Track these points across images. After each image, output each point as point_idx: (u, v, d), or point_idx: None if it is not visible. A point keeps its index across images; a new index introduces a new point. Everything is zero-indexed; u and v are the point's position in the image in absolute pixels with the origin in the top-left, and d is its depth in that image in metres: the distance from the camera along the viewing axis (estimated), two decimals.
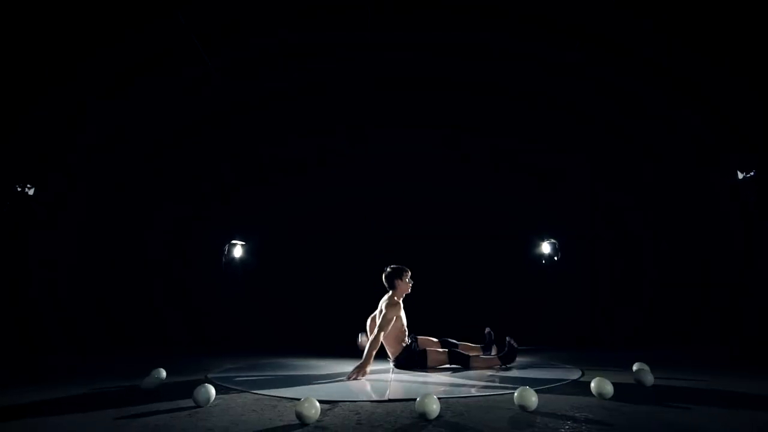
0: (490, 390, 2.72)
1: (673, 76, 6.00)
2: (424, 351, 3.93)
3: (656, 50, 5.86)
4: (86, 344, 6.31)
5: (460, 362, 3.89)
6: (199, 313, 6.90)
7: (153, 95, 6.35)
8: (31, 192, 5.89)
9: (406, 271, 4.13)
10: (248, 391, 2.75)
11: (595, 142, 6.66)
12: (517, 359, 4.07)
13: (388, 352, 4.08)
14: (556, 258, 5.81)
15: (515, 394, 2.18)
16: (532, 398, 2.13)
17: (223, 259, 6.70)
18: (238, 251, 6.84)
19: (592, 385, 2.38)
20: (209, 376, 3.43)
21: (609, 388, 2.33)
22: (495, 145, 6.94)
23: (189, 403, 2.34)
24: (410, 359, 3.93)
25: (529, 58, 6.15)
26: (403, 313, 4.04)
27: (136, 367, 3.89)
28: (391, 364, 4.08)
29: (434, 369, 3.91)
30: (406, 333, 4.08)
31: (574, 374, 3.28)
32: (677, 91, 6.11)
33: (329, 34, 5.93)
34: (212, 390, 2.34)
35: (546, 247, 5.96)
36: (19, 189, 5.85)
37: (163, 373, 2.97)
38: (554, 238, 5.82)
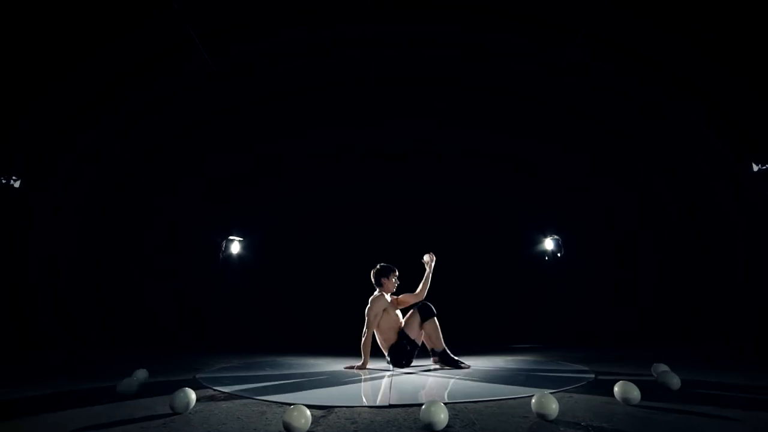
0: (501, 393, 2.36)
1: (675, 75, 5.69)
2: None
3: (657, 50, 5.55)
4: (84, 342, 5.99)
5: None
6: (197, 310, 6.55)
7: (153, 94, 6.04)
8: (17, 185, 5.53)
9: (394, 271, 4.03)
10: (235, 395, 2.39)
11: (597, 142, 6.33)
12: (523, 358, 3.72)
13: (383, 349, 3.84)
14: (559, 254, 5.47)
15: (533, 400, 1.83)
16: (553, 405, 1.78)
17: (221, 256, 6.35)
18: (235, 247, 6.48)
19: (617, 389, 2.03)
20: (197, 376, 3.07)
21: (635, 394, 1.98)
22: (496, 145, 6.60)
23: (166, 409, 1.98)
24: (403, 349, 3.70)
25: (530, 58, 5.85)
26: (396, 310, 3.93)
27: (124, 366, 3.52)
28: (387, 360, 3.83)
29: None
30: (403, 323, 3.88)
31: (587, 375, 2.92)
32: (679, 91, 5.79)
33: (329, 35, 5.63)
34: (192, 395, 1.99)
35: (549, 244, 5.62)
36: (3, 181, 5.49)
37: (144, 375, 2.60)
38: (557, 235, 5.48)
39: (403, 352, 3.68)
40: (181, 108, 6.19)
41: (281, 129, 6.48)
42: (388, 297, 3.90)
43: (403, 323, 3.83)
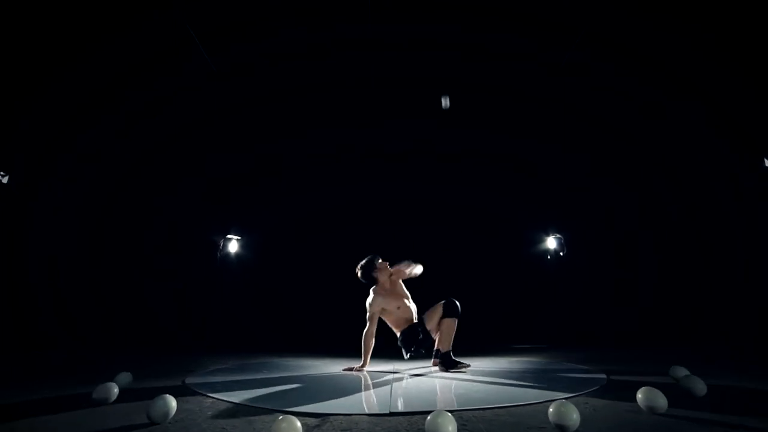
0: (511, 399, 2.10)
1: (675, 75, 5.47)
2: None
3: (657, 50, 5.33)
4: (84, 342, 5.75)
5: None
6: (197, 310, 6.31)
7: (153, 94, 5.82)
8: (5, 180, 5.29)
9: (376, 258, 3.66)
10: (224, 400, 2.13)
11: (597, 142, 6.10)
12: (527, 359, 3.45)
13: (395, 331, 3.61)
14: (561, 254, 5.20)
15: (551, 409, 1.58)
16: (573, 415, 1.53)
17: (218, 255, 6.11)
18: (233, 246, 6.22)
19: (641, 396, 1.78)
20: (187, 379, 2.80)
21: (662, 402, 1.73)
22: (496, 145, 6.36)
23: (144, 418, 1.72)
24: (416, 335, 3.42)
25: (530, 58, 5.64)
26: (402, 300, 3.59)
27: (119, 367, 3.23)
28: (399, 341, 3.57)
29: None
30: (414, 312, 3.60)
31: (599, 378, 2.65)
32: (679, 91, 5.57)
33: (329, 35, 5.42)
34: (172, 402, 1.73)
35: (551, 243, 5.35)
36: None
37: (127, 379, 2.35)
38: (559, 234, 5.22)
39: (415, 338, 3.40)
40: (181, 108, 5.97)
41: (281, 129, 6.25)
42: (384, 290, 3.57)
43: (414, 313, 3.59)
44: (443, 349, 3.35)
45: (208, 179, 6.51)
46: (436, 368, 3.36)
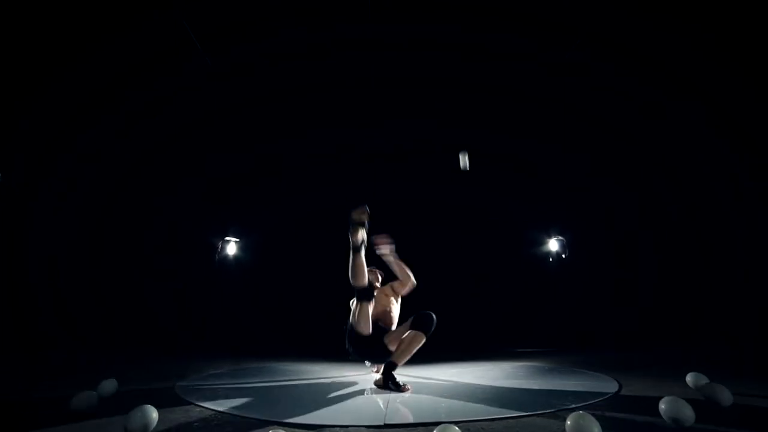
0: (520, 408, 1.90)
1: (675, 75, 5.29)
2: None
3: (657, 50, 5.16)
4: (84, 342, 5.56)
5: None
6: (197, 310, 6.11)
7: (153, 94, 5.64)
8: None
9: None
10: (212, 409, 1.93)
11: (597, 142, 5.92)
12: (532, 364, 3.24)
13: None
14: (563, 255, 5.00)
15: (568, 422, 1.38)
16: (594, 428, 1.34)
17: (217, 257, 5.91)
18: (232, 248, 6.01)
19: (665, 407, 1.58)
20: (178, 386, 2.58)
21: (689, 413, 1.53)
22: (496, 145, 6.17)
23: (122, 430, 1.52)
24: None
25: (530, 58, 5.46)
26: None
27: (112, 368, 3.03)
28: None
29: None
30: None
31: (610, 384, 2.45)
32: (679, 91, 5.40)
33: (329, 35, 5.26)
34: (152, 414, 1.54)
35: (553, 244, 5.14)
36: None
37: (111, 387, 2.14)
38: (561, 236, 5.01)
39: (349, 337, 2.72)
40: (181, 108, 5.79)
41: (281, 129, 6.07)
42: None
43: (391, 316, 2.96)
44: (393, 360, 2.59)
45: (208, 179, 6.32)
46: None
